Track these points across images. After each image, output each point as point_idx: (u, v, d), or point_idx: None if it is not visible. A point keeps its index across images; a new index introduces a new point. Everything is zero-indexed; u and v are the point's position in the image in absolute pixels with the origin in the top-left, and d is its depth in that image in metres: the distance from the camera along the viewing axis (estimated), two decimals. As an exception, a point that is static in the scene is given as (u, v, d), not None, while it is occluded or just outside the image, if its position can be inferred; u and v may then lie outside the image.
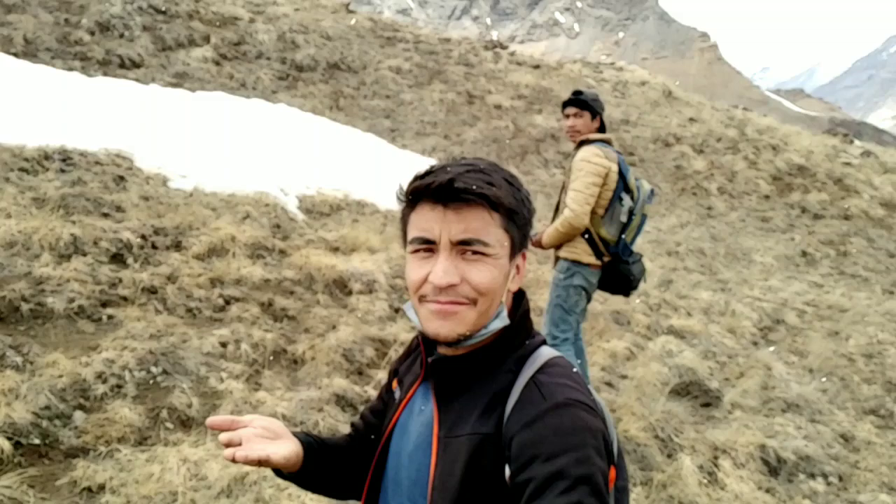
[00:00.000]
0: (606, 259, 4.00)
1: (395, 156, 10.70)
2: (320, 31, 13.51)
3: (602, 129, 4.12)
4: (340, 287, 5.37)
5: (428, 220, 1.10)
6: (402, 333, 4.84)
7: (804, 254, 10.79)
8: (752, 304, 7.85)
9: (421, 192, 1.10)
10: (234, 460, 1.13)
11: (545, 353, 1.16)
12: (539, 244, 4.16)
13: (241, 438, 1.18)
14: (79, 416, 3.35)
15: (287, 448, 1.22)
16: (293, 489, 3.07)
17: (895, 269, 10.78)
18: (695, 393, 5.24)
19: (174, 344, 3.96)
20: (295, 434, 1.29)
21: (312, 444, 1.32)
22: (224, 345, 4.14)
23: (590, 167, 3.87)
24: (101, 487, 2.96)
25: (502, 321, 1.14)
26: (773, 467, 4.40)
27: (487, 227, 1.09)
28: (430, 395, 1.19)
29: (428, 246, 1.11)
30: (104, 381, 3.53)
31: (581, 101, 4.04)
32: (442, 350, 1.18)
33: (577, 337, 4.17)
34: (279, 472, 1.29)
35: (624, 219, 3.95)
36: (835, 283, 9.64)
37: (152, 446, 3.25)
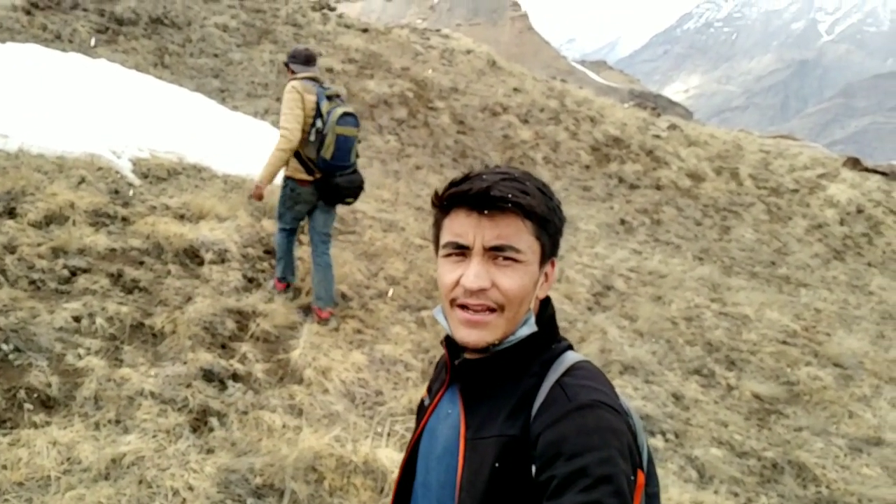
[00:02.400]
0: (318, 175, 5.01)
1: (227, 117, 10.35)
2: (139, -19, 12.55)
3: (309, 66, 5.16)
4: (191, 256, 5.29)
5: (463, 226, 1.15)
6: (259, 304, 4.91)
7: (623, 222, 11.75)
8: (583, 270, 8.44)
9: (457, 199, 1.16)
10: None
11: (571, 357, 1.21)
12: (260, 191, 5.15)
13: None
14: (-76, 400, 3.16)
15: None
16: (175, 469, 3.12)
17: (702, 237, 12.09)
18: None
19: (23, 319, 3.79)
20: None
21: None
22: (77, 319, 4.00)
23: (287, 96, 4.94)
24: (-38, 474, 2.85)
25: (530, 328, 1.18)
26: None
27: (520, 234, 1.14)
28: (457, 399, 1.23)
29: (461, 251, 1.16)
30: (-50, 362, 3.33)
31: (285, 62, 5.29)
32: (468, 355, 1.22)
33: (292, 234, 5.29)
34: None
35: (313, 139, 4.92)
36: (652, 250, 10.64)
37: (13, 429, 3.14)
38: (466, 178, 1.19)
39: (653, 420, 5.16)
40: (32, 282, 4.24)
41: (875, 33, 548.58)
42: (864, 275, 13.59)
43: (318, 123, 4.92)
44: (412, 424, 3.86)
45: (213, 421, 3.60)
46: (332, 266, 5.22)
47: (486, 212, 1.13)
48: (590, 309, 7.41)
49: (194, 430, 3.49)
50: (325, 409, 3.98)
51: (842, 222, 15.51)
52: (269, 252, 5.90)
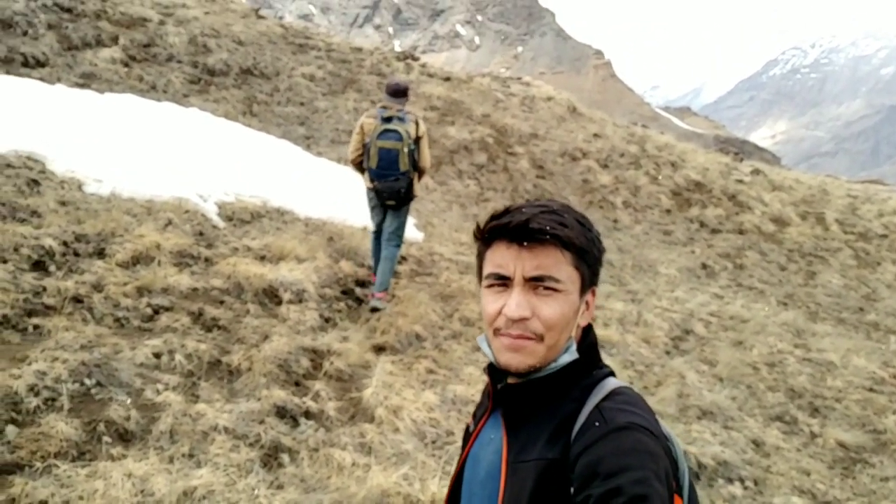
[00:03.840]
0: (374, 182, 5.87)
1: (311, 163, 10.67)
2: (232, 36, 13.26)
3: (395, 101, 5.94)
4: (270, 296, 5.38)
5: (504, 258, 1.19)
6: (334, 343, 4.91)
7: (704, 266, 11.43)
8: (662, 314, 8.25)
9: (498, 231, 1.20)
10: None
11: (612, 383, 1.22)
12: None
13: None
14: (11, 430, 3.25)
15: None
16: (246, 501, 3.11)
17: (787, 282, 11.59)
18: None
19: (106, 355, 3.89)
20: None
21: None
22: (157, 356, 4.09)
23: (356, 124, 6.05)
24: (43, 504, 2.90)
25: (571, 355, 1.21)
26: (694, 472, 4.73)
27: (559, 265, 1.18)
28: (500, 424, 1.26)
29: (503, 281, 1.20)
30: (37, 394, 3.43)
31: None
32: (511, 380, 1.25)
33: (378, 235, 6.12)
34: None
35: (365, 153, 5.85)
36: (734, 295, 10.29)
37: (92, 461, 3.19)
38: (507, 211, 1.23)
39: (731, 466, 4.91)
40: (117, 319, 4.38)
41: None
42: (969, 324, 12.57)
43: (367, 140, 5.83)
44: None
45: (284, 457, 3.57)
46: (392, 260, 5.98)
47: (525, 244, 1.17)
48: (668, 353, 7.15)
49: (265, 465, 3.46)
50: (395, 448, 3.89)
51: (939, 268, 14.48)
52: (346, 292, 5.94)
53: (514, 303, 1.17)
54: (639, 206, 13.24)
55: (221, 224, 6.85)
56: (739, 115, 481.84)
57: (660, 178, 14.48)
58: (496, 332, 1.21)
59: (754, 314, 9.09)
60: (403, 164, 5.75)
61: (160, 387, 3.80)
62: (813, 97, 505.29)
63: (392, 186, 5.79)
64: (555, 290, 1.18)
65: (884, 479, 5.43)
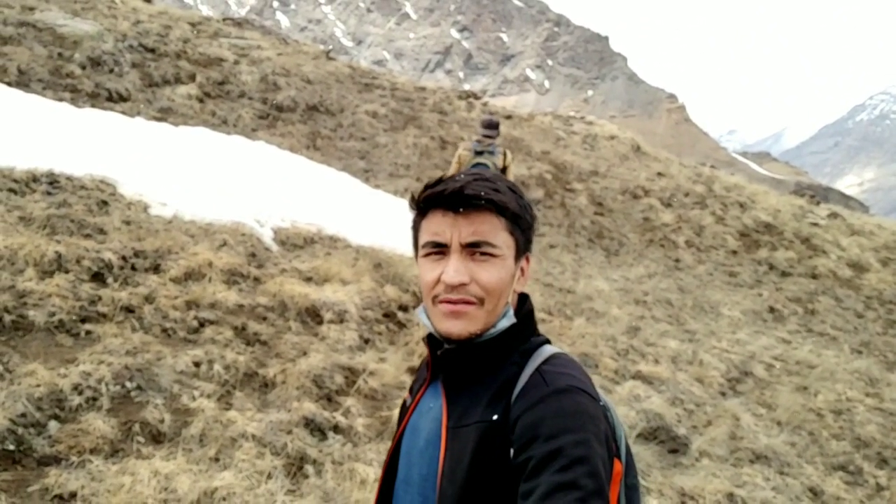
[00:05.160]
0: None
1: (368, 195, 10.94)
2: (301, 75, 13.86)
3: (488, 133, 7.12)
4: (312, 315, 5.52)
5: (440, 225, 1.21)
6: (371, 363, 4.98)
7: (772, 310, 10.98)
8: (719, 355, 7.96)
9: (433, 200, 1.22)
10: None
11: (550, 348, 1.24)
12: None
13: None
14: (53, 425, 3.44)
15: None
16: (265, 502, 3.18)
17: (863, 329, 10.99)
18: (661, 438, 5.35)
19: (149, 361, 4.07)
20: None
21: None
22: (197, 364, 4.25)
23: (455, 155, 7.24)
24: (73, 495, 3.04)
25: (509, 320, 1.22)
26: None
27: (495, 230, 1.20)
28: (440, 392, 1.27)
29: (440, 249, 1.21)
30: (80, 393, 3.63)
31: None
32: (450, 346, 1.26)
33: None
34: None
35: None
36: (803, 340, 9.82)
37: (124, 458, 3.34)
38: (440, 180, 1.25)
39: (784, 514, 4.62)
40: (164, 329, 4.58)
41: None
42: None
43: (462, 170, 6.50)
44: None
45: (309, 468, 3.63)
46: None
47: (461, 210, 1.19)
48: (722, 394, 6.86)
49: (288, 473, 3.54)
50: (421, 469, 3.90)
51: None
52: (388, 315, 6.03)
53: (453, 269, 1.18)
54: (703, 245, 12.91)
55: (275, 248, 7.09)
56: (824, 162, 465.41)
57: (726, 217, 14.09)
58: (434, 299, 1.22)
59: (823, 360, 8.64)
60: None
61: (196, 393, 3.95)
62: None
63: None
64: (491, 255, 1.19)
65: None
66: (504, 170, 7.06)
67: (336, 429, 4.09)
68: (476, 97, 17.76)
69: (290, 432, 3.85)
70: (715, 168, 19.37)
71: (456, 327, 1.20)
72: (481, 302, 1.19)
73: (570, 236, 11.42)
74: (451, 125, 14.90)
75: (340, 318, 5.55)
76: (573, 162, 14.29)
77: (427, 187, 1.25)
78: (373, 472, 3.70)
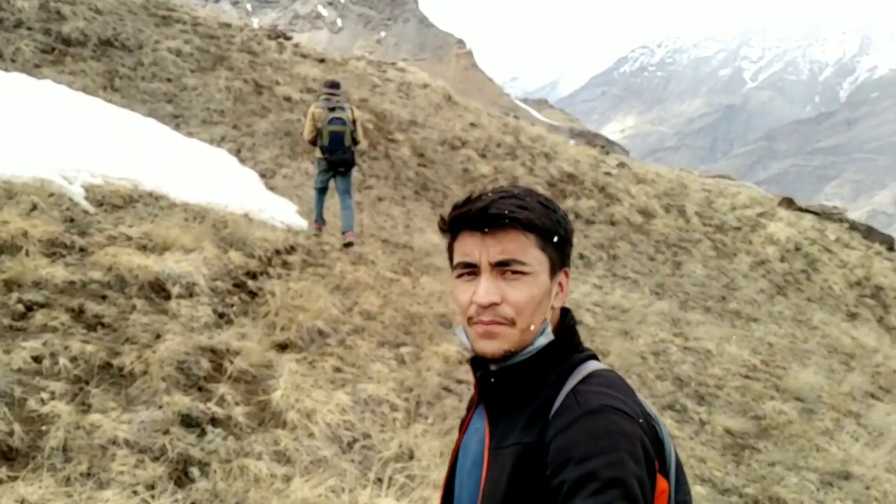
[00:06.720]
0: (326, 155, 7.91)
1: (183, 144, 10.00)
2: (88, 3, 12.12)
3: (333, 91, 8.15)
4: (157, 290, 4.95)
5: (469, 246, 1.19)
6: (233, 342, 4.60)
7: (582, 256, 11.81)
8: None
9: (460, 221, 1.21)
10: None
11: (591, 365, 1.22)
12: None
13: None
14: None
15: None
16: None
17: (657, 272, 12.22)
18: None
19: (-24, 361, 3.42)
20: None
21: None
22: (37, 359, 3.64)
23: (308, 112, 8.10)
24: None
25: (547, 338, 1.21)
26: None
27: (524, 248, 1.17)
28: (483, 412, 1.26)
29: (471, 269, 1.20)
30: None
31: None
32: (493, 367, 1.24)
33: (326, 187, 8.27)
34: None
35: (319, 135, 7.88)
36: (611, 285, 10.69)
37: (-29, 487, 2.79)
38: (468, 200, 1.23)
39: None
40: (-16, 318, 3.86)
41: (795, 81, 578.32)
42: (805, 310, 14.04)
43: (320, 125, 7.83)
44: (410, 470, 3.63)
45: (195, 471, 3.29)
46: (352, 208, 8.16)
47: (486, 230, 1.18)
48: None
49: (175, 481, 3.18)
50: (313, 455, 3.71)
51: (782, 259, 16.04)
52: (238, 285, 5.60)
53: (483, 289, 1.17)
54: (517, 196, 13.43)
55: (92, 209, 6.24)
56: (593, 109, 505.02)
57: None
58: (470, 320, 1.21)
59: (632, 304, 9.53)
60: (348, 141, 7.86)
61: (45, 395, 3.38)
62: (659, 94, 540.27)
63: (341, 157, 7.90)
64: (522, 272, 1.18)
65: (771, 464, 5.86)
66: (354, 122, 8.00)
67: (214, 421, 3.74)
68: (286, 37, 16.79)
69: (166, 432, 3.44)
70: (518, 118, 20.29)
71: (490, 347, 1.19)
72: (512, 322, 1.18)
73: (396, 188, 11.36)
74: (265, 67, 13.99)
75: (189, 292, 5.04)
76: (392, 111, 14.13)
77: (454, 208, 1.23)
78: (264, 467, 3.45)
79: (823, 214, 19.79)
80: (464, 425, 1.36)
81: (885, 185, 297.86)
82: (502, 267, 1.17)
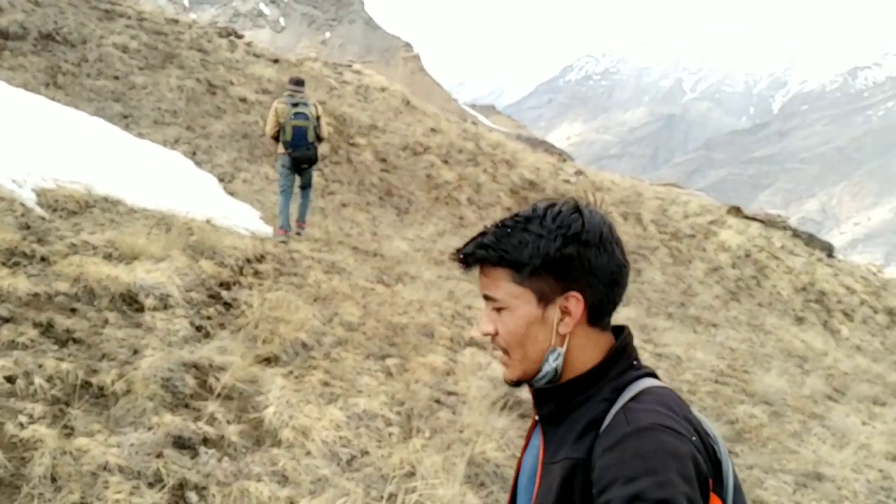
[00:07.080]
0: (289, 150, 7.93)
1: (134, 146, 9.55)
2: (27, -6, 11.50)
3: (297, 89, 8.22)
4: (129, 302, 4.63)
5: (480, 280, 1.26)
6: (215, 357, 4.32)
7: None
8: None
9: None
10: None
11: (645, 382, 1.19)
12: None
13: None
14: None
15: None
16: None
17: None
18: (510, 404, 5.30)
19: (-58, 383, 3.09)
20: None
21: None
22: (10, 379, 3.32)
23: (271, 109, 8.13)
24: None
25: (556, 362, 1.20)
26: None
27: (496, 283, 1.20)
28: (539, 429, 1.28)
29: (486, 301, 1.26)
30: None
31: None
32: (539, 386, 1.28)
33: (291, 190, 8.27)
34: None
35: (282, 130, 7.91)
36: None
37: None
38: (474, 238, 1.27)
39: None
40: (-56, 334, 3.51)
41: (731, 93, 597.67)
42: (757, 314, 14.42)
43: (282, 120, 7.85)
44: (416, 488, 3.46)
45: (192, 496, 3.04)
46: (310, 199, 8.62)
47: (479, 267, 1.23)
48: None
49: (171, 508, 2.92)
50: (312, 474, 3.49)
51: (734, 265, 16.46)
52: (213, 296, 5.31)
53: (482, 321, 1.26)
54: (482, 203, 13.45)
55: (46, 215, 5.84)
56: (539, 116, 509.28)
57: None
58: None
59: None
60: (311, 136, 7.88)
61: (23, 419, 3.07)
62: (603, 103, 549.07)
63: (305, 154, 7.93)
64: (500, 307, 1.21)
65: (749, 467, 5.90)
66: (318, 119, 8.10)
67: (206, 442, 3.48)
68: (238, 35, 16.33)
69: (159, 455, 3.17)
70: (475, 124, 20.24)
71: (504, 374, 1.27)
72: (505, 352, 1.23)
73: (360, 194, 11.12)
74: (217, 66, 13.55)
75: (164, 304, 4.73)
76: (351, 114, 13.87)
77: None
78: (265, 489, 3.22)
79: (769, 222, 20.42)
80: (525, 444, 1.37)
81: (813, 193, 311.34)
82: (488, 301, 1.23)
